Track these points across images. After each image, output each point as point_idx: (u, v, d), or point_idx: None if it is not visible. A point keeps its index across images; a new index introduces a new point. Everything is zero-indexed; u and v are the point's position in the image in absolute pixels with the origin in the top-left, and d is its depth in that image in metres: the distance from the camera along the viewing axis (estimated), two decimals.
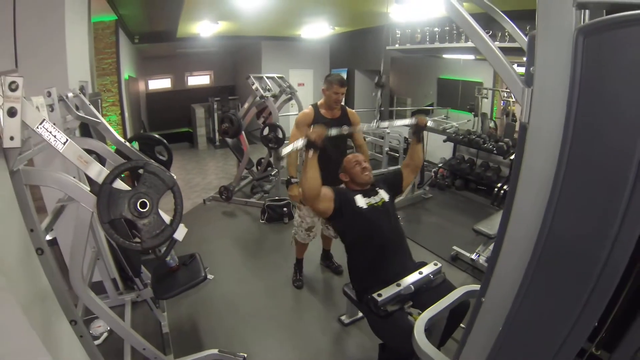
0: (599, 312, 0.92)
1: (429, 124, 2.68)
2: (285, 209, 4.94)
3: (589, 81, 0.78)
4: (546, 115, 0.86)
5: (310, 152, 2.21)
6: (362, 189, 2.50)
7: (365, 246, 2.35)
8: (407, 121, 2.86)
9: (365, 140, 6.93)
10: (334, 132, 2.35)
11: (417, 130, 2.69)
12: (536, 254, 0.94)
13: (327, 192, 2.36)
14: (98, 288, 2.85)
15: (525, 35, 1.17)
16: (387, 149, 6.64)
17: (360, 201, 2.41)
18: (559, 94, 0.82)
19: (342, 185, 2.67)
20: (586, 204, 0.85)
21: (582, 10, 0.85)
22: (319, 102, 3.26)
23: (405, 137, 5.79)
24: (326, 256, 3.84)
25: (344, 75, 9.21)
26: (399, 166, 2.84)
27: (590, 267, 0.86)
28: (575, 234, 0.88)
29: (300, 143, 2.23)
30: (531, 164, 0.92)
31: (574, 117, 0.80)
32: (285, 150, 2.39)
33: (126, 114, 6.04)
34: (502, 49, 0.98)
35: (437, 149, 6.55)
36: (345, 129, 2.56)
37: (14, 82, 1.26)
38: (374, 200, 2.46)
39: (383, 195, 2.53)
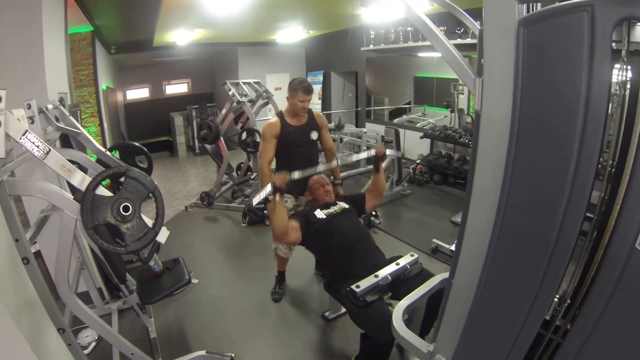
0: (555, 286, 1.00)
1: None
2: (265, 211, 4.96)
3: (530, 67, 0.86)
4: (496, 102, 0.94)
5: (277, 196, 2.38)
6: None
7: (331, 248, 2.50)
8: (364, 154, 3.12)
9: (342, 140, 7.05)
10: (296, 175, 2.54)
11: (377, 161, 2.80)
12: (495, 232, 1.02)
13: (294, 224, 2.56)
14: (84, 298, 2.79)
15: None
16: (364, 148, 6.73)
17: (319, 214, 2.62)
18: (505, 81, 0.90)
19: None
20: (536, 180, 0.93)
21: (526, 5, 0.94)
22: (284, 110, 3.13)
23: (382, 136, 5.88)
24: (320, 265, 3.64)
25: (320, 78, 9.31)
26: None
27: (544, 242, 0.94)
28: (528, 210, 0.96)
29: (268, 189, 2.40)
30: (486, 149, 0.99)
31: (519, 101, 0.88)
32: (255, 200, 2.49)
33: (105, 125, 5.99)
34: (471, 45, 1.06)
35: (415, 146, 6.68)
36: (309, 172, 2.71)
37: None
38: (332, 209, 2.67)
39: (342, 205, 2.74)
